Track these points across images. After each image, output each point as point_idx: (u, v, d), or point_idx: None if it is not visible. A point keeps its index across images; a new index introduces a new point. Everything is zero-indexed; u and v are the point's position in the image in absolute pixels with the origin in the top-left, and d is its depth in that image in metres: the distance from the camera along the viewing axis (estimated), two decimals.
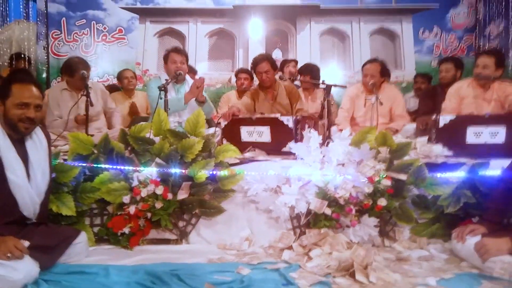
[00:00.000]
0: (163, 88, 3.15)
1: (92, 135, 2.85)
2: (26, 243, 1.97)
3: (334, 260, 2.24)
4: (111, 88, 4.91)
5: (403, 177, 2.57)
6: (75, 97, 3.47)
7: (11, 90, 2.09)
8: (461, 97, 3.59)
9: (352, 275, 2.03)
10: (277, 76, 3.80)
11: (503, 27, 5.75)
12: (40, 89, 2.19)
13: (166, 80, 3.36)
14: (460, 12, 6.29)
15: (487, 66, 3.40)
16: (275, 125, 2.99)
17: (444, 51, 6.29)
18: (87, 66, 3.58)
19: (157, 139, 2.78)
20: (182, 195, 2.62)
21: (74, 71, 3.51)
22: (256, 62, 3.70)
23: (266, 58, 3.73)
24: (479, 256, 2.11)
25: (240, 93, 4.86)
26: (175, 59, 3.55)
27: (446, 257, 2.35)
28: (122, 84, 4.95)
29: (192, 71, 4.82)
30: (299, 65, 5.12)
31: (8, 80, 2.15)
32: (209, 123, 3.65)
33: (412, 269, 2.16)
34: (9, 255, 1.89)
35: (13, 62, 5.31)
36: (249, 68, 3.86)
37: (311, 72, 4.59)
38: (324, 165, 2.66)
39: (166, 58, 3.62)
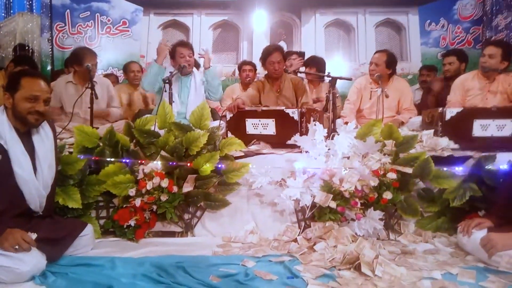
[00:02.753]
0: (167, 81, 3.14)
1: (97, 128, 2.86)
2: (34, 236, 1.98)
3: (338, 253, 2.24)
4: None
5: (408, 170, 2.57)
6: (80, 91, 3.47)
7: (20, 83, 2.10)
8: (466, 90, 3.56)
9: (357, 268, 2.04)
10: None
11: (510, 19, 5.68)
12: (48, 83, 2.21)
13: (170, 72, 3.35)
14: (467, 4, 6.21)
15: (493, 55, 3.36)
16: (280, 118, 2.98)
17: (451, 43, 6.23)
18: (94, 55, 3.57)
19: (162, 132, 2.78)
20: (187, 188, 2.63)
21: (82, 60, 3.49)
22: (269, 51, 3.67)
23: (278, 48, 3.73)
24: (485, 251, 2.10)
25: (244, 85, 4.84)
26: (183, 52, 3.53)
27: (452, 251, 2.35)
28: (128, 77, 4.95)
29: (196, 64, 4.79)
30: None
31: (17, 74, 2.16)
32: (214, 116, 3.64)
33: (418, 262, 2.17)
34: (16, 247, 1.91)
35: (17, 54, 5.30)
36: (258, 59, 3.82)
37: (317, 64, 4.55)
38: (329, 158, 2.66)
39: (173, 53, 3.58)
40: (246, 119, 3.10)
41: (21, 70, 2.20)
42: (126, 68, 4.98)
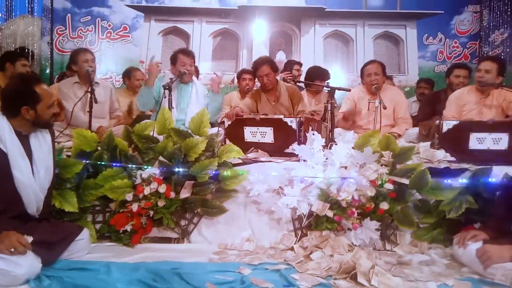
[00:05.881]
0: (167, 87, 3.15)
1: (96, 132, 2.86)
2: (30, 239, 1.98)
3: (335, 262, 2.24)
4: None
5: (405, 181, 2.58)
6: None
7: (38, 94, 2.11)
8: (461, 104, 3.59)
9: (353, 278, 2.04)
10: (279, 77, 3.79)
11: (507, 35, 5.77)
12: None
13: (170, 79, 3.36)
14: (465, 19, 6.31)
15: (490, 71, 3.40)
16: (279, 126, 3.00)
17: (448, 57, 6.31)
18: (88, 53, 3.57)
19: (160, 138, 2.78)
20: (184, 194, 2.62)
21: (75, 58, 3.52)
22: (257, 66, 3.70)
23: (266, 61, 3.71)
24: (481, 263, 2.11)
25: (243, 93, 4.85)
26: (184, 61, 3.51)
27: (447, 262, 2.36)
28: (129, 82, 4.93)
29: (195, 71, 4.81)
30: (303, 68, 5.14)
31: (28, 85, 2.12)
32: (212, 123, 3.64)
33: (413, 273, 2.16)
34: (12, 250, 1.90)
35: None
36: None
37: (320, 75, 4.58)
38: (327, 168, 2.67)
39: (174, 59, 3.57)
40: (244, 127, 3.12)
41: (26, 78, 2.17)
42: (128, 73, 4.95)
